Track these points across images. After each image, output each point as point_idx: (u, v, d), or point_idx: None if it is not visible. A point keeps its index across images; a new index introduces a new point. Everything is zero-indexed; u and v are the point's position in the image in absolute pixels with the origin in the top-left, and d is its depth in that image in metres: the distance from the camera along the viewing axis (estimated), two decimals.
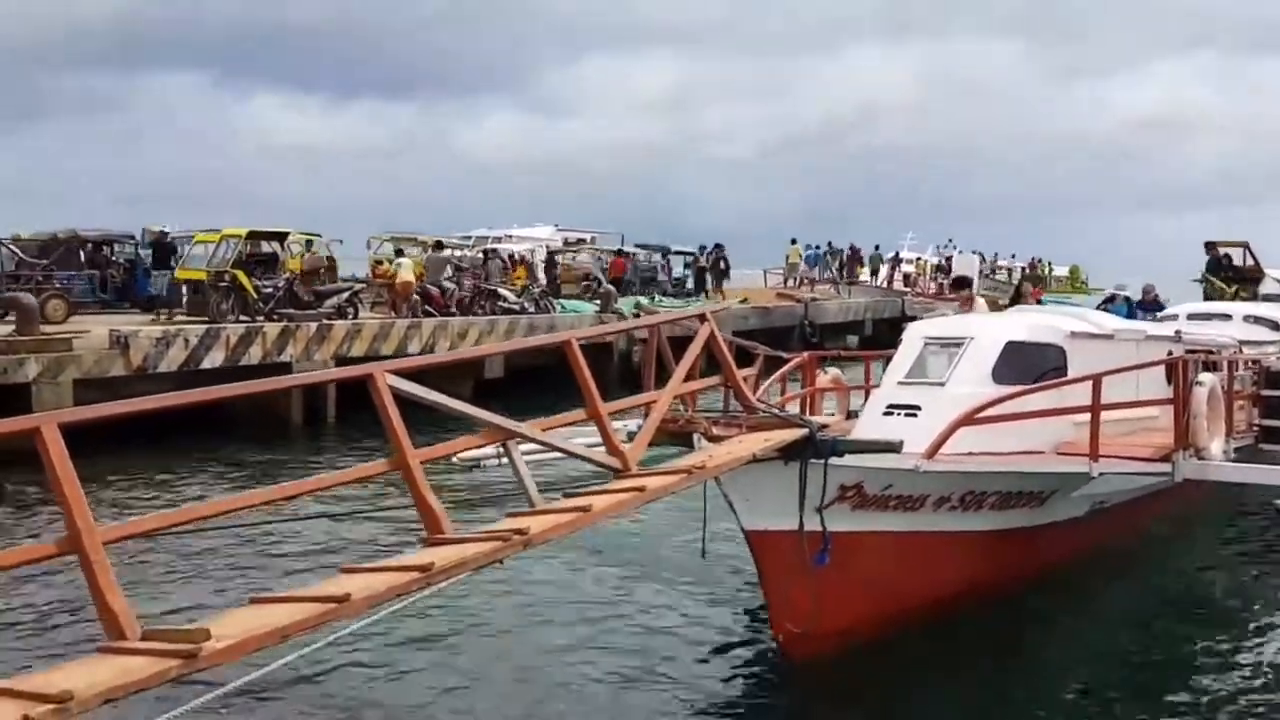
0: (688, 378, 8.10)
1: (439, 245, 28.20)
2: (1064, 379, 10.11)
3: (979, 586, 9.36)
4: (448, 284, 25.74)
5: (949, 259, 49.01)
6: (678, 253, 39.28)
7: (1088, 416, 9.22)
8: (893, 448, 8.00)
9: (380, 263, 26.79)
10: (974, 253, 52.87)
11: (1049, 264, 65.68)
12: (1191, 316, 17.18)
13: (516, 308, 26.65)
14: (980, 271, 50.26)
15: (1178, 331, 13.50)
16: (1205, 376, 10.58)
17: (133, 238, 26.88)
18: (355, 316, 23.01)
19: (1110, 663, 9.00)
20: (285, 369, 20.12)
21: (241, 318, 21.34)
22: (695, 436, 7.75)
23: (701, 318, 8.46)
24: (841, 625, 8.35)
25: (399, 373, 6.10)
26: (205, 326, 19.85)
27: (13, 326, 18.16)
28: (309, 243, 26.32)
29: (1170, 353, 12.40)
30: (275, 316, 21.48)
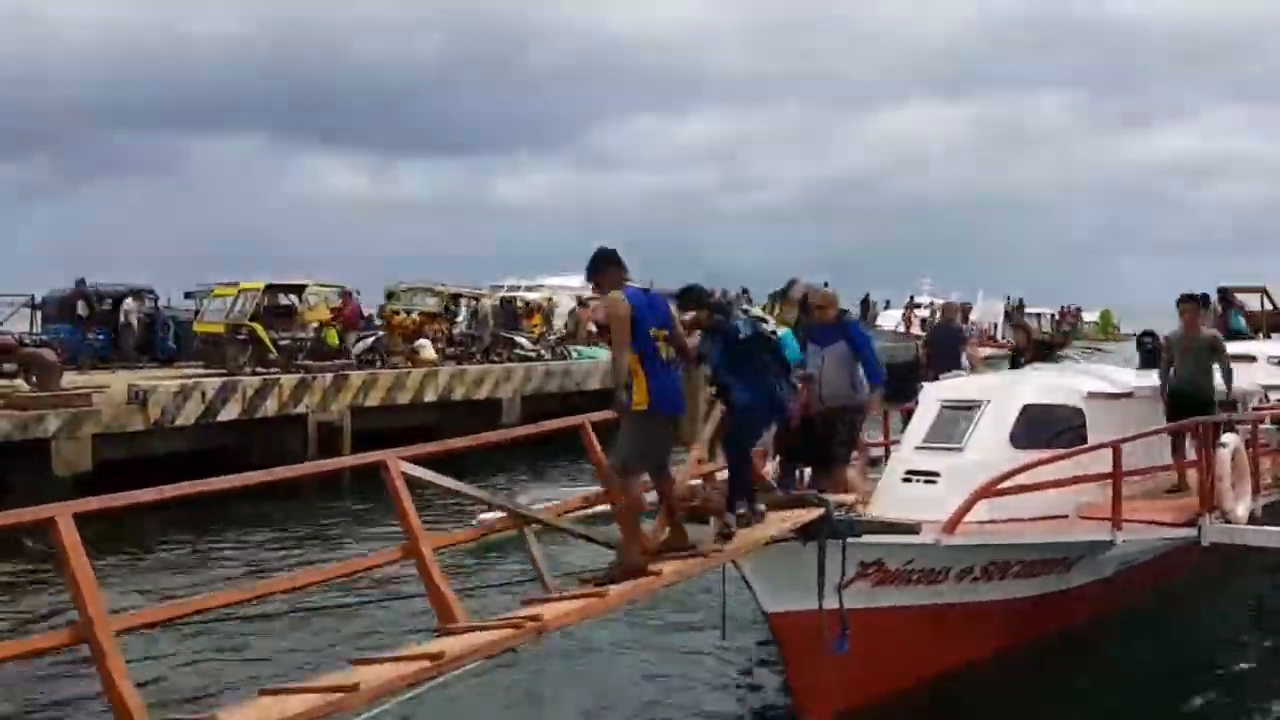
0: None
1: (455, 298, 28.52)
2: (1082, 443, 9.98)
3: (1007, 653, 9.24)
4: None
5: (968, 305, 48.63)
6: None
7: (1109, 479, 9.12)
8: (912, 529, 7.91)
9: (397, 313, 26.89)
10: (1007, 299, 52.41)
11: (1078, 309, 65.31)
12: None
13: (533, 355, 26.75)
14: (1007, 317, 49.95)
15: None
16: (1228, 437, 10.44)
17: (152, 292, 27.03)
18: (383, 364, 23.19)
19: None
20: (301, 420, 20.22)
21: (258, 370, 21.44)
22: (711, 519, 7.66)
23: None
24: (868, 702, 8.23)
25: (413, 459, 6.08)
26: (222, 379, 19.91)
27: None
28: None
29: None
30: (294, 368, 21.59)
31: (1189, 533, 9.87)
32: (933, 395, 10.66)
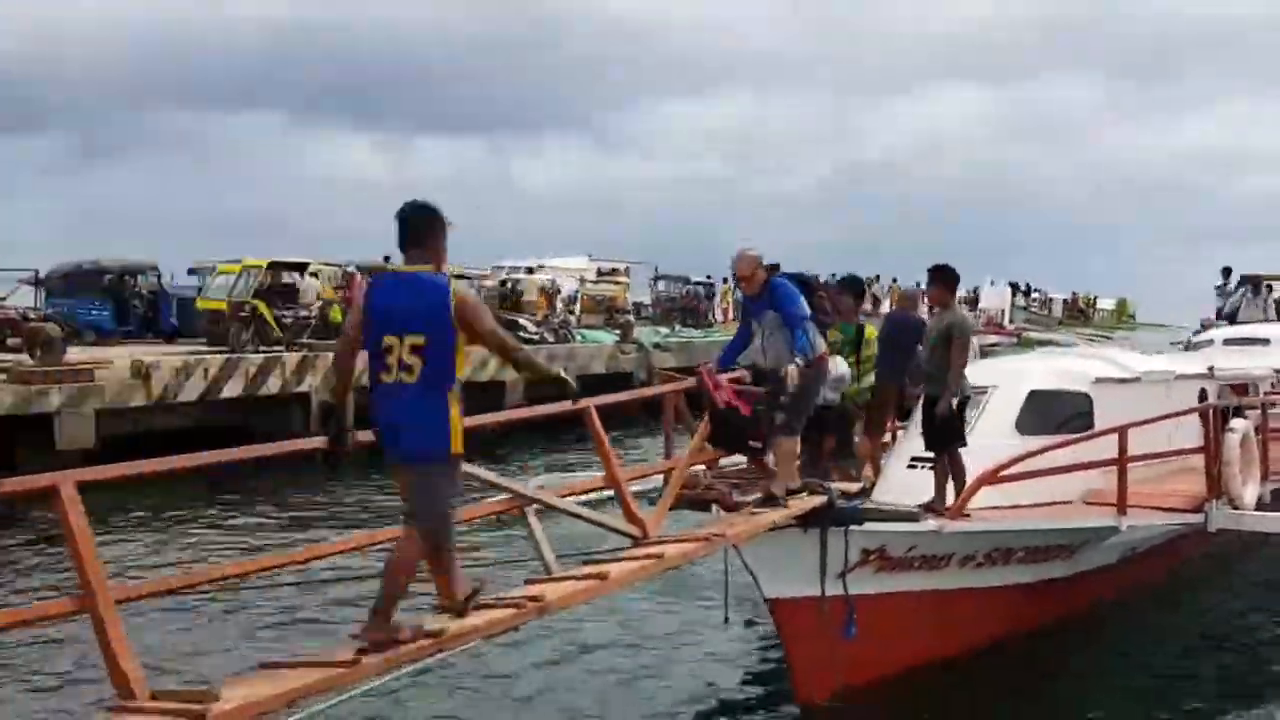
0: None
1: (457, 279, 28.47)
2: (1089, 429, 9.91)
3: (1010, 639, 9.21)
4: None
5: (976, 290, 48.41)
6: (697, 283, 39.37)
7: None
8: (914, 516, 7.86)
9: None
10: (1008, 284, 52.05)
11: (1094, 297, 65.08)
12: (1228, 342, 16.80)
13: (535, 337, 26.71)
14: (1014, 303, 49.75)
15: (1211, 368, 13.24)
16: (1237, 422, 10.39)
17: (155, 268, 26.97)
18: None
19: (1142, 705, 8.84)
20: (304, 399, 20.19)
21: (261, 348, 21.42)
22: (713, 507, 7.61)
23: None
24: (869, 687, 8.22)
25: None
26: (225, 356, 19.88)
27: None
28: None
29: (1204, 391, 12.22)
30: (295, 346, 21.55)
31: (1196, 518, 9.82)
32: None
